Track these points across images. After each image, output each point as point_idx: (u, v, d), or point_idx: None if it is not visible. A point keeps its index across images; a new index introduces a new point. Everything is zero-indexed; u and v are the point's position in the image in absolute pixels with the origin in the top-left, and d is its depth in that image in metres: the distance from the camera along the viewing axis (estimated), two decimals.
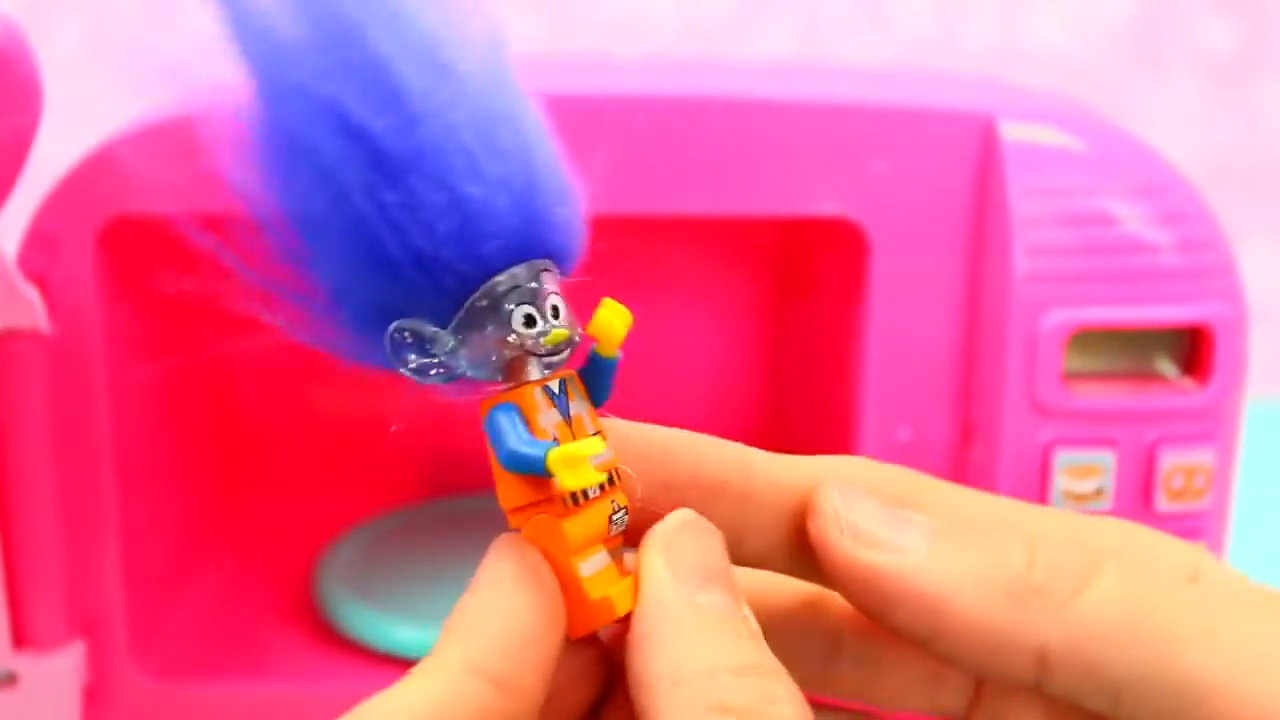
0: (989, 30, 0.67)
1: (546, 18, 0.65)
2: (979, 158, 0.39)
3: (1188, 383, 0.40)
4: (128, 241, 0.39)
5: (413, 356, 0.21)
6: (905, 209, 0.39)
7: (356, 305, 0.21)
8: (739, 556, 0.23)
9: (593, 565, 0.21)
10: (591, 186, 0.23)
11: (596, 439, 0.21)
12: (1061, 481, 0.39)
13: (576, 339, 0.22)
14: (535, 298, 0.21)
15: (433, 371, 0.21)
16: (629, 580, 0.21)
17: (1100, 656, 0.20)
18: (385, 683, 0.19)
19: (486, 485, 0.21)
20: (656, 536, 0.21)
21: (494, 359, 0.21)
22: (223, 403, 0.55)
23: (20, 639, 0.39)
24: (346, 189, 0.20)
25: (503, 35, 0.22)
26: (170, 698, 0.42)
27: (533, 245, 0.21)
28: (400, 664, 0.44)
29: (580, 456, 0.20)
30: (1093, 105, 0.44)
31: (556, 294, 0.21)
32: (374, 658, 0.45)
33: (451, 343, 0.21)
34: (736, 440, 0.23)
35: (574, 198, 0.22)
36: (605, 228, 0.23)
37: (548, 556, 0.21)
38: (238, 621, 0.48)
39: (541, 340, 0.21)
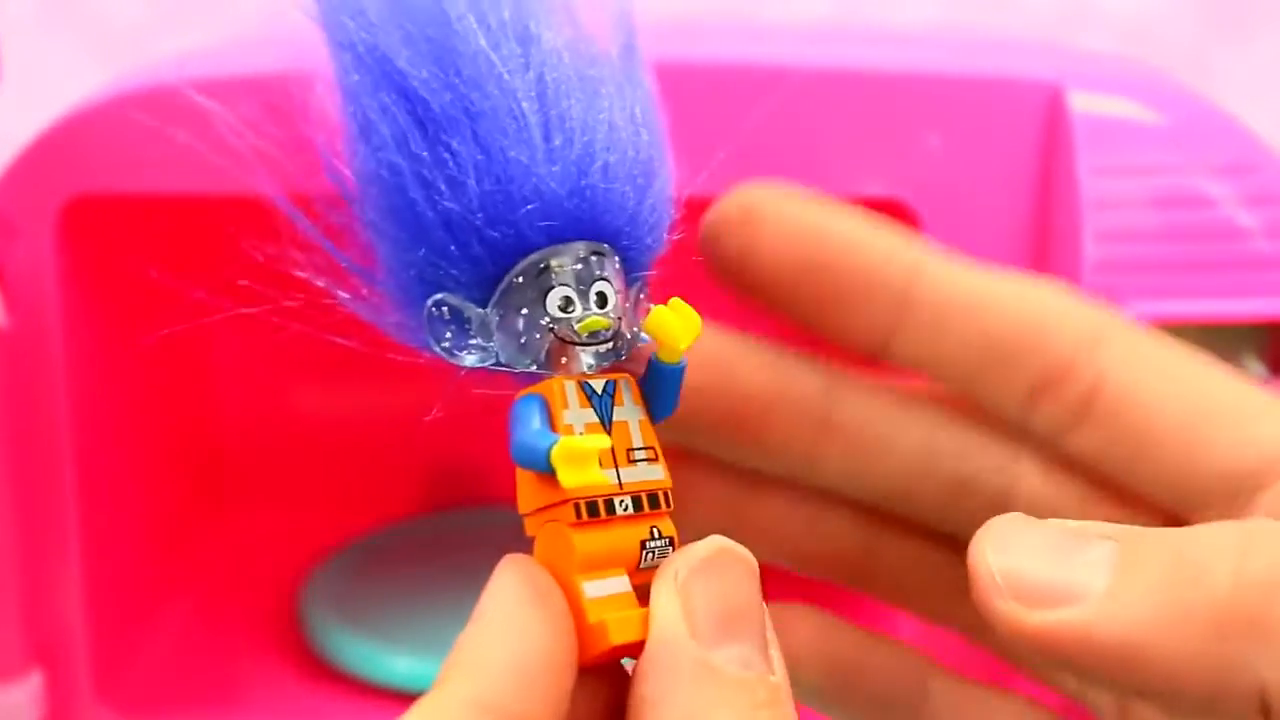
0: None
1: None
2: (1044, 132, 0.38)
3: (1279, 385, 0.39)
4: (92, 224, 0.39)
5: (448, 335, 0.21)
6: (961, 189, 0.39)
7: (401, 279, 0.22)
8: (881, 353, 0.25)
9: (604, 588, 0.21)
10: None
11: (603, 435, 0.21)
12: None
13: (628, 334, 0.22)
14: (578, 280, 0.21)
15: (465, 353, 0.21)
16: (642, 612, 0.21)
17: None
18: None
19: (492, 498, 0.20)
20: (673, 571, 0.20)
21: (529, 344, 0.21)
22: (198, 405, 0.55)
23: None
24: (384, 144, 0.21)
25: (631, 21, 0.23)
26: None
27: (586, 224, 0.21)
28: (395, 698, 0.44)
29: (584, 451, 0.20)
30: (1169, 72, 0.44)
31: (608, 282, 0.22)
32: (366, 691, 0.45)
33: (489, 323, 0.21)
34: None
35: (657, 184, 0.22)
36: None
37: (556, 574, 0.21)
38: (213, 650, 0.48)
39: (576, 326, 0.21)
